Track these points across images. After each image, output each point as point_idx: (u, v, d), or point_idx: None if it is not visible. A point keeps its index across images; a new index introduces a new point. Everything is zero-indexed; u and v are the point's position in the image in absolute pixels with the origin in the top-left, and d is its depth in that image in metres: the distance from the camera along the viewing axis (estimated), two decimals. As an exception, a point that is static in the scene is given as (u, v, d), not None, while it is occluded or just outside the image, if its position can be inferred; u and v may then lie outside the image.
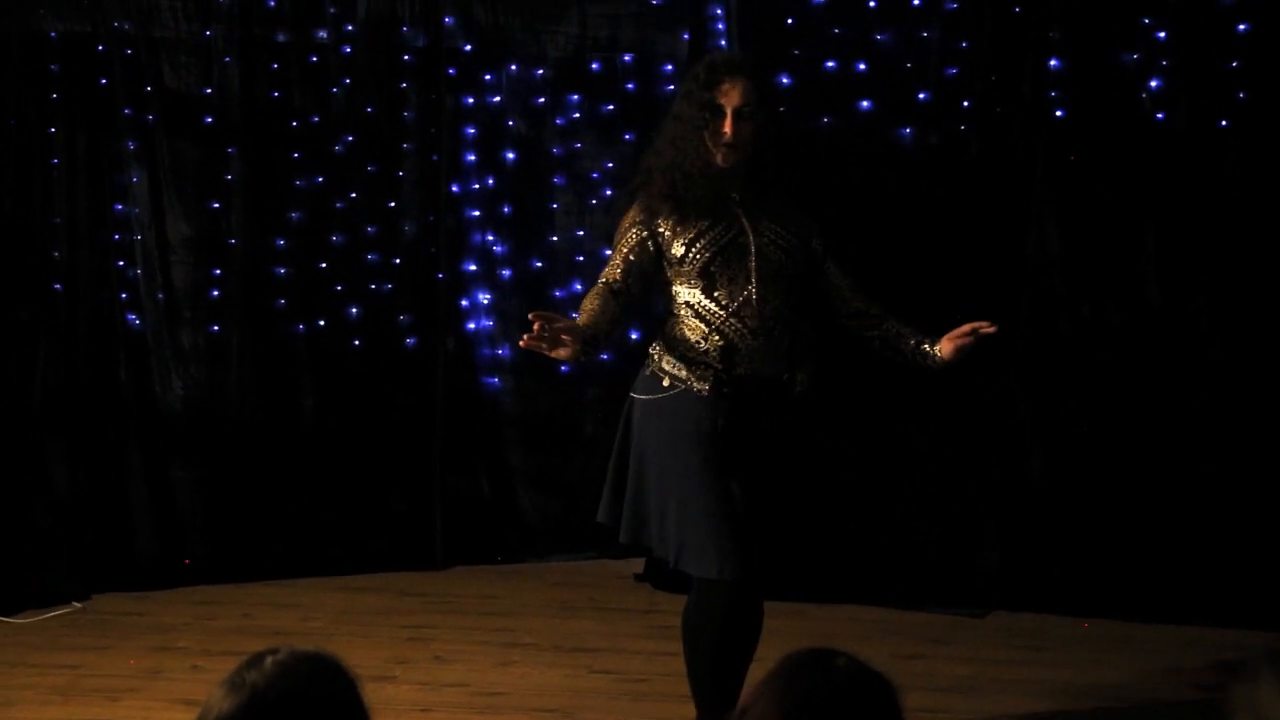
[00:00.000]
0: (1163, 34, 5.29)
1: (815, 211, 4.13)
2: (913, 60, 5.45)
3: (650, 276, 3.88)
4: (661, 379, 3.89)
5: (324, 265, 5.93)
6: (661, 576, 5.63)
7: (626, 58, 6.03)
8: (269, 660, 1.85)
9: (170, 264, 5.78)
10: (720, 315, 3.84)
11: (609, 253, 3.97)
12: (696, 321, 3.85)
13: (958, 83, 5.43)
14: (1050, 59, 5.34)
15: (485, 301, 6.13)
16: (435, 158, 5.97)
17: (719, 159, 3.87)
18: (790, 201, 4.03)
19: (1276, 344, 5.28)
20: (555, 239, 6.11)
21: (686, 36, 5.81)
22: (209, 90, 5.75)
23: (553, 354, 3.60)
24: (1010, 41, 5.38)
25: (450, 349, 6.08)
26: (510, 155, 6.08)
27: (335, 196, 5.91)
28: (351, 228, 5.94)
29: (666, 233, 3.86)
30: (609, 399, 5.83)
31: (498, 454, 6.17)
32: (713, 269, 3.83)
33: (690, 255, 3.83)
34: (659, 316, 4.01)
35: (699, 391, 3.83)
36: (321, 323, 5.93)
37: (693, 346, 3.85)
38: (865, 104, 5.49)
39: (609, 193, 5.98)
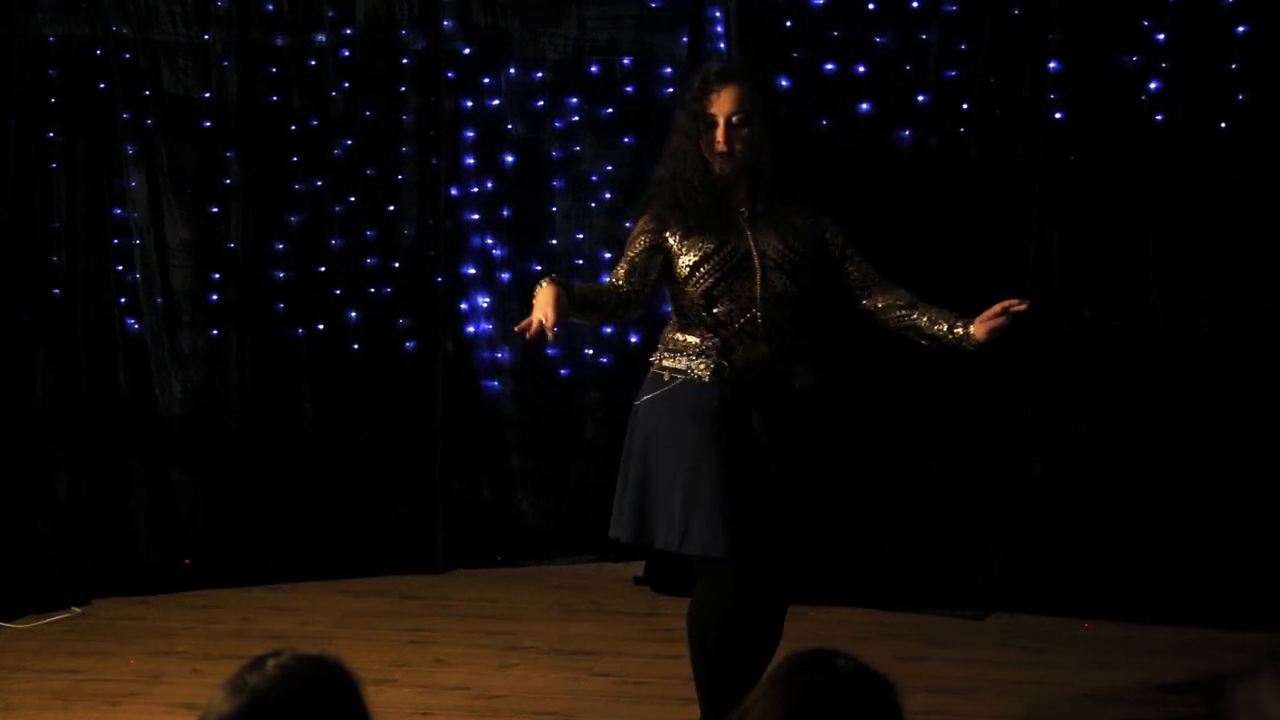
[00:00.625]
0: (1162, 36, 5.29)
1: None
2: (912, 63, 5.45)
3: (652, 278, 3.89)
4: (663, 375, 3.93)
5: (323, 269, 5.92)
6: (662, 579, 5.63)
7: (626, 60, 6.02)
8: (271, 663, 1.84)
9: (169, 268, 5.77)
10: (724, 330, 3.89)
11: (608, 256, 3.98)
12: (699, 328, 3.90)
13: (957, 85, 5.43)
14: (1049, 61, 5.34)
15: (485, 305, 6.13)
16: (434, 161, 5.96)
17: (717, 168, 3.88)
18: (798, 202, 4.02)
19: (1277, 346, 5.28)
20: (554, 242, 6.10)
21: (686, 39, 5.79)
22: (208, 94, 5.75)
23: (546, 317, 3.50)
24: (1009, 44, 5.38)
25: (450, 352, 6.07)
26: (509, 158, 6.08)
27: (334, 200, 5.91)
28: (350, 231, 5.94)
29: (674, 244, 3.88)
30: (609, 402, 5.84)
31: (498, 457, 6.16)
32: (715, 293, 3.87)
33: (695, 277, 3.86)
34: (660, 320, 4.01)
35: (700, 378, 3.86)
36: (321, 326, 5.93)
37: (693, 346, 3.89)
38: (864, 106, 5.49)
39: (608, 196, 5.99)
